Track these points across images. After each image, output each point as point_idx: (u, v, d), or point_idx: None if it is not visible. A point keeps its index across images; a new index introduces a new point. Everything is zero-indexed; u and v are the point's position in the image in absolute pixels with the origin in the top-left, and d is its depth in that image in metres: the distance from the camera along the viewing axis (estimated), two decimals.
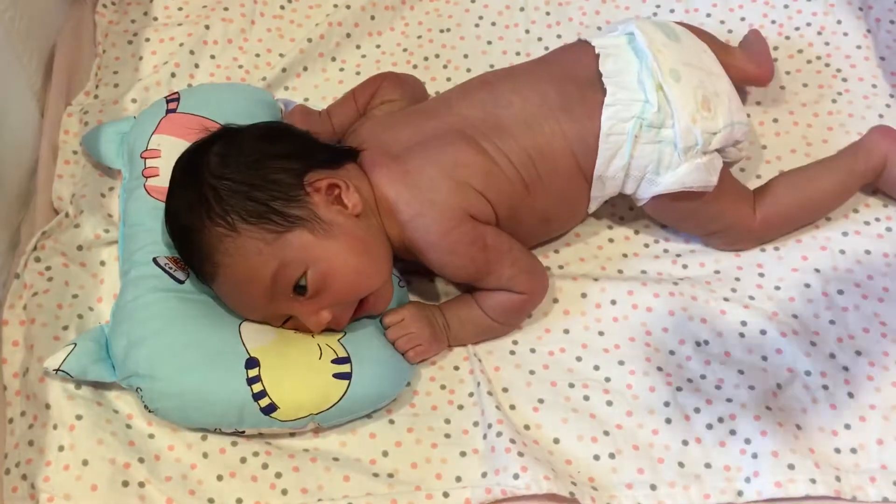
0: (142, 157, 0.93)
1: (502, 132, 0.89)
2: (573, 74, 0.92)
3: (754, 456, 0.83)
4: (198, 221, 0.82)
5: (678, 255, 0.96)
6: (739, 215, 0.93)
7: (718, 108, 0.89)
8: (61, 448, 0.81)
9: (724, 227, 0.94)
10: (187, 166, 0.85)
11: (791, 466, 0.82)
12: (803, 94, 1.06)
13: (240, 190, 0.82)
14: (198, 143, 0.87)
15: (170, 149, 0.92)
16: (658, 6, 1.13)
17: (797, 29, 1.10)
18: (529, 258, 0.90)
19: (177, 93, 0.98)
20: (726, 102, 0.90)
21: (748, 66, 1.02)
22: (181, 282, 0.87)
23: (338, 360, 0.84)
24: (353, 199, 0.84)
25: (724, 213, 0.93)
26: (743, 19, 1.11)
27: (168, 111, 0.96)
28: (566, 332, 0.91)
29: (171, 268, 0.87)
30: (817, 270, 0.94)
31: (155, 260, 0.87)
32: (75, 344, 0.84)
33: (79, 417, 0.83)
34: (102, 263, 0.92)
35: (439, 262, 0.88)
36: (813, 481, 0.81)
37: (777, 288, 0.93)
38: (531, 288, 0.89)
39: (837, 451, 0.84)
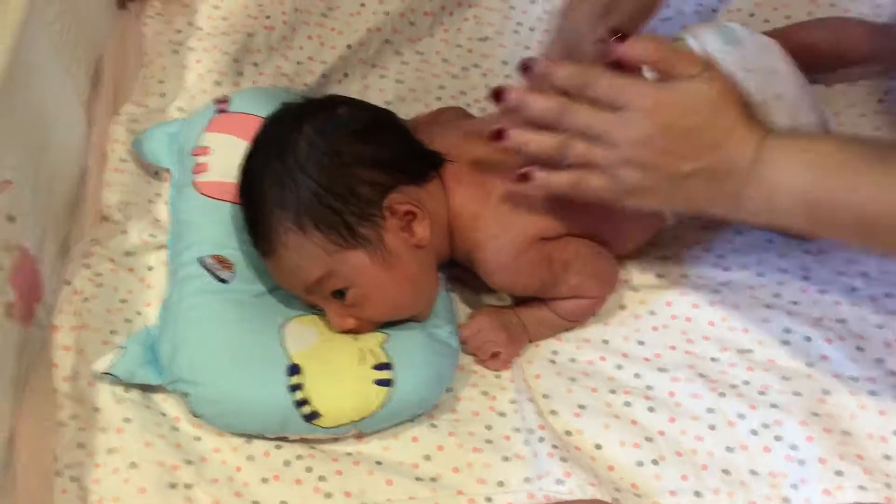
0: (192, 155, 0.95)
1: None
2: None
3: (801, 462, 0.82)
4: (270, 201, 0.82)
5: (720, 256, 0.95)
6: None
7: (778, 112, 0.88)
8: (110, 451, 0.82)
9: None
10: (277, 137, 0.84)
11: (839, 473, 0.80)
12: (850, 93, 1.05)
13: (318, 192, 0.82)
14: (292, 109, 0.86)
15: (220, 146, 0.93)
16: (700, 4, 1.11)
17: None
18: (596, 261, 0.90)
19: (226, 96, 0.99)
20: (788, 103, 0.89)
21: None
22: (225, 282, 0.88)
23: (379, 367, 0.84)
24: (423, 234, 0.85)
25: None
26: (788, 17, 1.10)
27: (218, 111, 0.97)
28: (605, 342, 0.91)
29: (215, 268, 0.88)
30: (864, 274, 0.92)
31: (200, 260, 0.88)
32: (123, 347, 0.85)
33: (127, 420, 0.84)
34: (150, 268, 0.93)
35: (507, 282, 0.89)
36: (863, 488, 0.80)
37: (822, 292, 0.92)
38: (600, 292, 0.91)
39: (887, 457, 0.82)
